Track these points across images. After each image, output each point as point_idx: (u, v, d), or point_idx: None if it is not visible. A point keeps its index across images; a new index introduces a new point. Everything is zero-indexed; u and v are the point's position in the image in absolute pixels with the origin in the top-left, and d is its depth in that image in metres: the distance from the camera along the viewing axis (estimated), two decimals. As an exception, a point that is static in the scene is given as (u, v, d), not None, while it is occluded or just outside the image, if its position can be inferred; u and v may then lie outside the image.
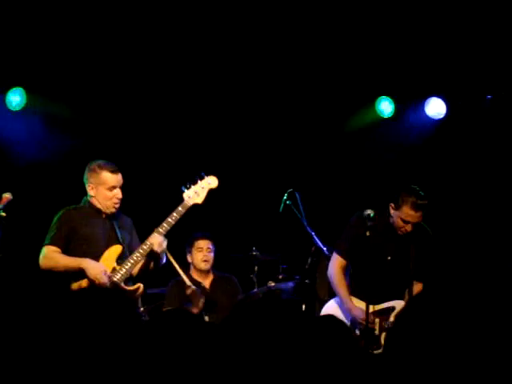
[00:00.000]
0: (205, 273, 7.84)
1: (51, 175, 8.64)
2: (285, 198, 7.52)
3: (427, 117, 9.01)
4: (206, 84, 8.83)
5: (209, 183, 6.40)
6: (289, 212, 7.50)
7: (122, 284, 6.05)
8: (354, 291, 6.49)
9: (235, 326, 2.83)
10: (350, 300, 6.42)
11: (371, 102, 9.10)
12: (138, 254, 6.11)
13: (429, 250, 6.56)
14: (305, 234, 7.45)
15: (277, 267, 7.83)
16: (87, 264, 5.99)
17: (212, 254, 7.80)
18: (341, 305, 6.48)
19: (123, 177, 6.31)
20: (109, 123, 8.85)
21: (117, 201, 6.23)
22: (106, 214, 6.28)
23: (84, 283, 5.97)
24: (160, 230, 6.15)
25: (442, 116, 9.01)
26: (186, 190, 6.30)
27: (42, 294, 3.07)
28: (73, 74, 8.56)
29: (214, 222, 8.59)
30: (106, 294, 2.86)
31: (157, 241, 6.13)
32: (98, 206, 6.25)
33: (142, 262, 6.20)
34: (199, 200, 6.33)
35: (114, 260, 6.14)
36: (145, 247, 6.13)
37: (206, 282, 7.85)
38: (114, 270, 6.08)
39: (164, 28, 8.35)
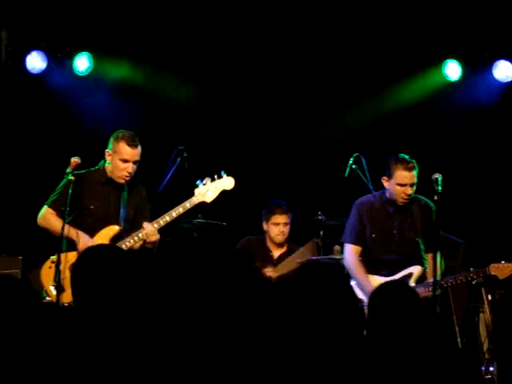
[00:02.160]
0: (278, 245, 7.81)
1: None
2: (350, 162, 7.46)
3: (495, 80, 8.87)
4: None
5: (223, 185, 6.36)
6: (354, 176, 7.45)
7: None
8: (371, 271, 6.59)
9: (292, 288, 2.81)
10: (369, 282, 6.43)
11: (437, 64, 8.98)
12: (132, 241, 6.12)
13: (431, 220, 6.58)
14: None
15: (342, 232, 7.79)
16: (78, 237, 6.06)
17: (288, 228, 7.75)
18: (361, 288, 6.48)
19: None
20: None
21: (127, 174, 6.24)
22: (116, 183, 6.30)
23: (72, 256, 5.93)
24: (160, 221, 6.17)
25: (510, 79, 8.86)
26: (199, 186, 6.27)
27: None
28: (140, 39, 8.61)
29: (280, 186, 8.62)
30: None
31: (149, 231, 6.13)
32: (110, 174, 6.29)
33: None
34: (208, 199, 6.29)
35: (108, 239, 6.15)
36: (139, 235, 6.14)
37: (276, 253, 7.82)
38: None
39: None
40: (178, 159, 6.94)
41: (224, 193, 7.87)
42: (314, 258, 7.53)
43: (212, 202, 6.30)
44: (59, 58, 8.64)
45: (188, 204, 6.23)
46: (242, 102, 9.07)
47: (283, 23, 8.69)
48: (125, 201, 6.28)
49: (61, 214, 6.12)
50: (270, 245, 7.81)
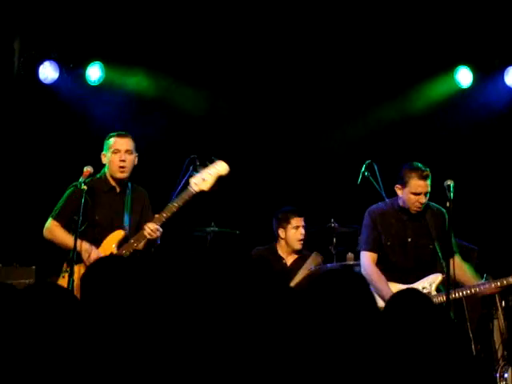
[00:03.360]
0: (293, 251, 7.73)
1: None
2: (363, 169, 7.45)
3: (506, 86, 8.85)
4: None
5: (217, 169, 6.25)
6: (367, 183, 7.45)
7: None
8: (388, 278, 6.50)
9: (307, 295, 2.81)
10: (390, 289, 6.32)
11: (449, 71, 8.98)
12: (136, 243, 6.11)
13: (445, 226, 6.51)
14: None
15: (355, 239, 7.79)
16: (81, 248, 6.04)
17: (304, 232, 7.66)
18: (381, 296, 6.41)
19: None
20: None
21: (121, 163, 6.25)
22: (119, 190, 6.32)
23: (82, 267, 5.96)
24: (161, 218, 6.14)
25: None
26: (194, 175, 6.21)
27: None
28: (152, 48, 8.64)
29: (292, 194, 8.62)
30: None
31: (149, 229, 6.09)
32: (111, 180, 6.32)
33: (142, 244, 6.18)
34: (205, 187, 6.18)
35: (114, 245, 6.16)
36: (142, 235, 6.12)
37: (289, 260, 7.75)
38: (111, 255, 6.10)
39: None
40: (191, 168, 6.95)
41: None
42: (328, 265, 7.54)
43: (210, 189, 6.20)
44: (71, 68, 8.67)
45: (185, 195, 6.16)
46: (253, 111, 9.09)
47: (292, 32, 8.71)
48: (129, 207, 6.28)
49: (66, 225, 6.20)
50: (281, 252, 7.74)
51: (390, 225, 6.59)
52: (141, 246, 6.17)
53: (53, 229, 6.27)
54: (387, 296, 5.82)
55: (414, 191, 6.43)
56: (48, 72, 8.54)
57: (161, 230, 6.17)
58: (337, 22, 8.74)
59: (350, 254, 7.65)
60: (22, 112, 8.57)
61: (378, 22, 8.64)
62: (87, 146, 8.44)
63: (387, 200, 6.79)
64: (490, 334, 7.52)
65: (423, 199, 6.45)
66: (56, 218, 6.29)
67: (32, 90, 8.64)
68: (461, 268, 6.39)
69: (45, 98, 8.70)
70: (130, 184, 6.33)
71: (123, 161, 6.26)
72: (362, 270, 6.57)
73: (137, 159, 6.42)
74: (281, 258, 7.69)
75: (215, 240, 7.96)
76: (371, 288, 6.27)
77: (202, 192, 6.16)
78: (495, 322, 7.59)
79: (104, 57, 8.66)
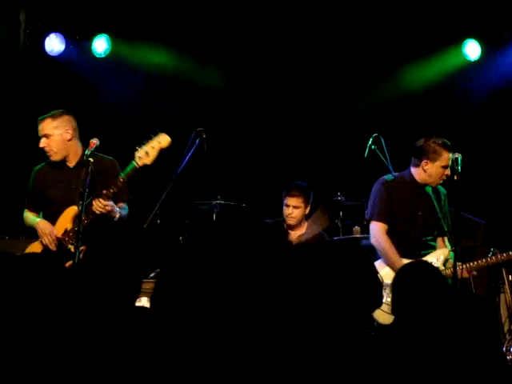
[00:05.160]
0: (292, 226, 7.62)
1: (133, 123, 8.75)
2: (370, 142, 7.42)
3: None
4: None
5: (159, 142, 6.11)
6: (374, 157, 7.43)
7: (71, 246, 6.08)
8: (399, 251, 6.45)
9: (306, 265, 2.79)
10: (402, 261, 6.23)
11: (457, 44, 8.94)
12: (86, 220, 5.97)
13: (445, 203, 6.63)
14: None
15: (362, 213, 7.78)
16: (36, 224, 6.20)
17: (298, 211, 7.47)
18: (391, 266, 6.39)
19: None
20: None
21: (43, 149, 6.22)
22: (74, 164, 6.26)
23: (38, 244, 6.16)
24: (108, 192, 6.03)
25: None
26: (138, 149, 6.07)
27: None
28: (159, 21, 8.61)
29: (299, 167, 8.61)
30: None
31: (96, 205, 6.00)
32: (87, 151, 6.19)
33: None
34: (148, 161, 6.05)
35: (69, 221, 6.14)
36: (91, 210, 6.02)
37: (294, 235, 7.68)
38: (65, 231, 6.14)
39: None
40: (197, 140, 6.93)
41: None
42: (335, 238, 7.53)
43: (152, 162, 6.06)
44: (77, 40, 8.64)
45: (130, 170, 6.03)
46: (261, 84, 9.06)
47: (301, 9, 8.67)
48: (89, 178, 5.95)
49: (37, 207, 6.36)
50: (286, 226, 7.74)
51: (403, 197, 6.57)
52: (89, 220, 6.06)
53: (24, 216, 6.43)
54: (398, 266, 5.74)
55: (446, 164, 6.41)
56: (54, 44, 8.52)
57: (110, 204, 6.07)
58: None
59: (356, 227, 7.65)
60: (28, 84, 8.55)
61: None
62: (94, 118, 8.45)
63: (398, 173, 6.76)
64: (497, 308, 7.53)
65: (449, 171, 6.46)
66: (27, 207, 6.44)
67: (38, 62, 8.61)
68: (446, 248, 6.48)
69: (51, 70, 8.68)
70: (91, 158, 6.02)
71: (42, 148, 6.25)
72: (373, 239, 6.52)
73: (66, 134, 6.27)
74: (286, 232, 7.66)
75: (221, 213, 7.95)
76: (381, 259, 6.37)
77: (145, 166, 6.07)
78: (502, 296, 7.60)
79: (110, 29, 8.62)
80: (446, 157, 6.40)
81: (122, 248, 3.32)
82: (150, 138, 6.13)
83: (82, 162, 6.18)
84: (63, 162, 6.31)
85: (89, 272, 3.26)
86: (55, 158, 6.26)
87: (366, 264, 2.82)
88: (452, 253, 6.34)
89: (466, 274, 6.22)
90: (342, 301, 2.67)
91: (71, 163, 6.33)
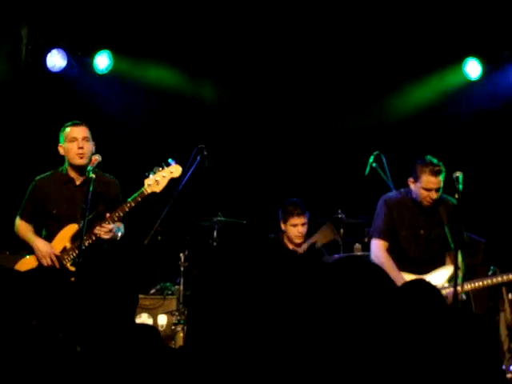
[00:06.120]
0: (297, 244, 7.61)
1: (136, 138, 8.77)
2: (371, 160, 7.44)
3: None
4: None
5: (171, 172, 6.21)
6: (375, 175, 7.44)
7: (68, 264, 6.11)
8: (400, 268, 6.48)
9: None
10: (402, 277, 6.33)
11: (458, 63, 8.96)
12: (88, 240, 6.03)
13: (457, 219, 6.46)
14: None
15: (362, 230, 7.79)
16: (35, 244, 6.20)
17: (305, 227, 7.52)
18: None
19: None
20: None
21: (79, 151, 6.24)
22: (80, 182, 6.29)
23: (34, 261, 6.19)
24: (113, 216, 6.09)
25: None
26: (149, 176, 6.16)
27: None
28: (160, 37, 8.64)
29: (300, 184, 8.62)
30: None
31: (103, 229, 6.06)
32: (70, 173, 6.32)
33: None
34: (157, 189, 6.15)
35: (67, 239, 6.17)
36: (93, 232, 6.07)
37: (299, 251, 7.72)
38: (64, 249, 6.15)
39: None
40: (198, 157, 6.96)
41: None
42: (336, 255, 7.52)
43: (161, 191, 6.17)
44: (79, 56, 8.66)
45: (139, 197, 6.12)
46: (261, 101, 9.08)
47: (304, 18, 8.69)
48: (92, 197, 6.02)
49: (31, 220, 6.36)
50: (287, 243, 7.75)
51: (405, 215, 6.59)
52: (92, 241, 6.11)
53: (18, 227, 6.41)
54: (398, 281, 5.82)
55: (425, 187, 6.43)
56: (56, 60, 8.53)
57: (114, 230, 6.13)
58: (344, 13, 8.71)
59: (357, 244, 7.65)
60: (30, 100, 8.56)
61: (388, 13, 8.62)
62: (95, 135, 8.43)
63: (402, 190, 6.77)
64: (497, 326, 7.52)
65: (434, 195, 6.44)
66: (21, 216, 6.42)
67: (39, 77, 8.62)
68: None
69: (52, 86, 8.69)
70: (93, 175, 6.12)
71: (81, 148, 6.27)
72: (373, 257, 6.55)
73: (94, 147, 6.39)
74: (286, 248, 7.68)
75: (222, 230, 7.95)
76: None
77: (153, 193, 6.16)
78: (501, 314, 7.59)
79: (112, 45, 8.64)
80: (426, 180, 6.39)
81: (119, 265, 3.35)
82: (161, 166, 6.18)
83: (86, 180, 6.19)
84: (71, 178, 6.35)
85: (87, 289, 3.26)
86: (84, 161, 6.27)
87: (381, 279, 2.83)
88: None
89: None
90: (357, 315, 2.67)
91: (78, 180, 6.35)
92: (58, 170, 6.45)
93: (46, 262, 6.10)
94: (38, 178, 6.48)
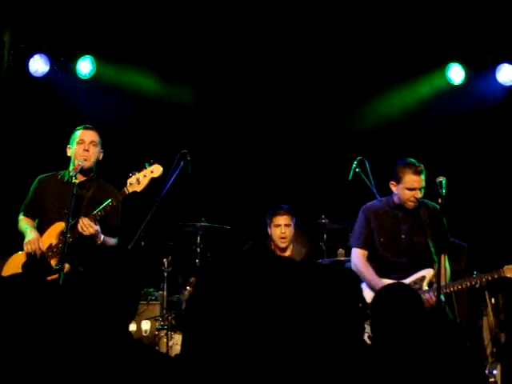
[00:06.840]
0: (283, 248, 7.58)
1: (120, 143, 8.73)
2: (354, 165, 7.45)
3: (499, 84, 8.86)
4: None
5: (152, 171, 6.24)
6: (358, 180, 7.45)
7: (52, 260, 6.15)
8: (381, 275, 6.51)
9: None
10: (381, 281, 6.35)
11: (441, 68, 8.99)
12: (71, 237, 6.04)
13: (440, 222, 6.45)
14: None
15: (346, 235, 7.79)
16: (28, 232, 6.27)
17: (290, 229, 7.45)
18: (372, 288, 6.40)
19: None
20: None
21: (84, 153, 6.30)
22: (77, 182, 6.24)
23: (21, 255, 6.26)
24: (96, 215, 6.11)
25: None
26: (130, 177, 6.21)
27: None
28: (143, 42, 8.63)
29: (283, 190, 8.62)
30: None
31: (81, 223, 6.06)
32: (74, 160, 6.34)
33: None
34: (138, 188, 6.19)
35: (54, 236, 6.21)
36: (76, 228, 6.10)
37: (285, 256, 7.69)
38: (50, 246, 6.19)
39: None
40: (182, 162, 6.96)
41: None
42: (319, 261, 7.52)
43: (142, 190, 6.19)
44: (62, 61, 8.64)
45: (120, 195, 6.18)
46: (245, 106, 9.09)
47: (286, 26, 8.71)
48: (87, 198, 6.26)
49: (34, 215, 6.42)
50: (274, 249, 7.70)
51: (384, 222, 6.61)
52: (73, 238, 6.12)
53: (19, 221, 6.47)
54: (378, 287, 5.88)
55: (409, 186, 6.45)
56: (38, 65, 8.51)
57: (95, 227, 6.12)
58: (332, 19, 8.73)
59: (340, 249, 7.66)
60: (12, 105, 8.53)
61: (372, 19, 8.64)
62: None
63: (382, 198, 6.79)
64: (480, 331, 7.54)
65: (418, 194, 6.47)
66: (22, 211, 6.51)
67: (22, 82, 8.60)
68: (443, 269, 6.42)
69: (35, 91, 8.66)
70: (76, 180, 6.15)
71: (87, 150, 6.33)
72: (353, 265, 6.61)
73: (102, 155, 6.48)
74: (274, 253, 7.66)
75: (206, 235, 7.94)
76: (364, 282, 6.38)
77: (134, 192, 6.19)
78: (484, 319, 7.61)
79: (95, 50, 8.62)
80: (409, 179, 6.42)
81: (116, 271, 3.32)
82: (144, 167, 6.23)
83: (86, 182, 6.35)
84: (72, 179, 6.34)
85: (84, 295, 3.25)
86: (88, 164, 6.34)
87: (352, 287, 2.82)
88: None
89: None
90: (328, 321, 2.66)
91: (78, 180, 6.33)
92: (60, 172, 6.49)
93: (29, 248, 6.13)
94: (41, 176, 6.55)
